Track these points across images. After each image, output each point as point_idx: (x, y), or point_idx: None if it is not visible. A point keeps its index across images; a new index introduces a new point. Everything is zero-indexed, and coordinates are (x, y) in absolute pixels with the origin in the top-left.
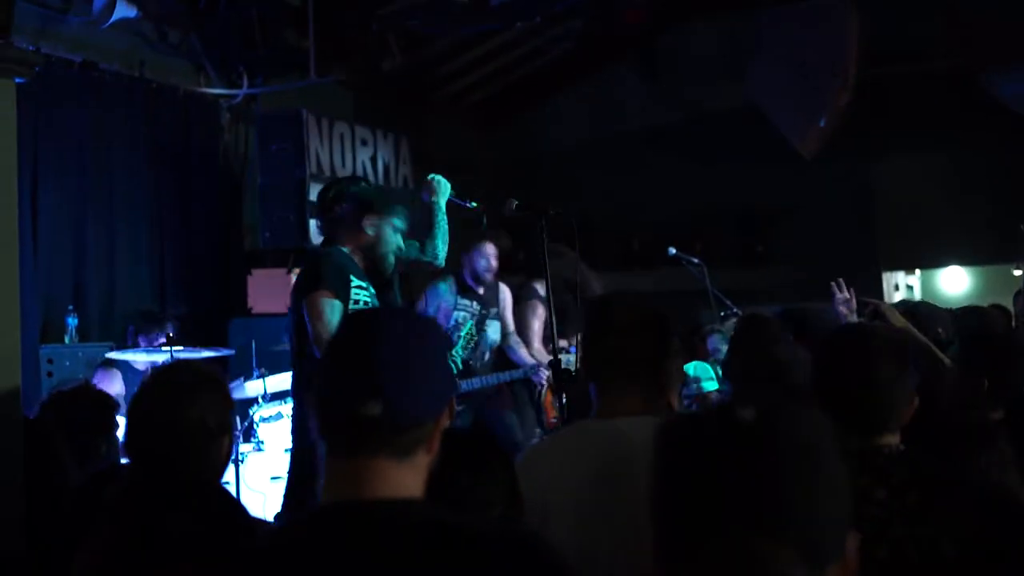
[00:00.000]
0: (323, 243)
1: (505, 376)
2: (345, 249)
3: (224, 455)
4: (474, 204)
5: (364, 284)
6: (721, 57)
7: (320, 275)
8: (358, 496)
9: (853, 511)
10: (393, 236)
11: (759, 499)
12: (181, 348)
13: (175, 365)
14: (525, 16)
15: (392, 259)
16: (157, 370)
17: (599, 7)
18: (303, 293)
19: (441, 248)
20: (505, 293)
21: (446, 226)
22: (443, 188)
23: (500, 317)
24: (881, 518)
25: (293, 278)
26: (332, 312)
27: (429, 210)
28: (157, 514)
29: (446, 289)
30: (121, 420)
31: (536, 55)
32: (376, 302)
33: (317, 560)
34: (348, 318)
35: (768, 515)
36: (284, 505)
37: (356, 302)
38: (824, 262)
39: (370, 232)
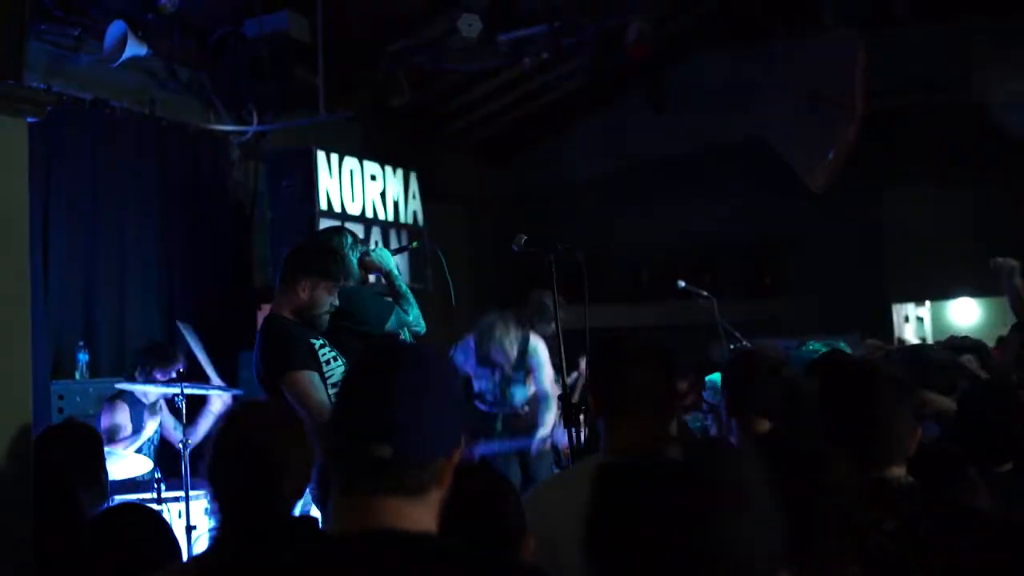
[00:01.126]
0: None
1: (523, 443)
2: (284, 314)
3: (301, 487)
4: (415, 244)
5: (322, 342)
6: (729, 89)
7: (286, 354)
8: (367, 527)
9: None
10: (328, 299)
11: (690, 537)
12: (190, 384)
13: (259, 405)
14: (532, 52)
15: (326, 320)
16: (232, 409)
17: (606, 43)
18: (275, 376)
19: (413, 312)
20: (538, 349)
21: (406, 288)
22: (384, 257)
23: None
24: (891, 549)
25: None
26: (317, 386)
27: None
28: (248, 550)
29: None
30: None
31: (545, 90)
32: (342, 357)
33: None
34: (362, 354)
35: (696, 548)
36: None
37: (327, 362)
38: (834, 294)
39: (302, 295)
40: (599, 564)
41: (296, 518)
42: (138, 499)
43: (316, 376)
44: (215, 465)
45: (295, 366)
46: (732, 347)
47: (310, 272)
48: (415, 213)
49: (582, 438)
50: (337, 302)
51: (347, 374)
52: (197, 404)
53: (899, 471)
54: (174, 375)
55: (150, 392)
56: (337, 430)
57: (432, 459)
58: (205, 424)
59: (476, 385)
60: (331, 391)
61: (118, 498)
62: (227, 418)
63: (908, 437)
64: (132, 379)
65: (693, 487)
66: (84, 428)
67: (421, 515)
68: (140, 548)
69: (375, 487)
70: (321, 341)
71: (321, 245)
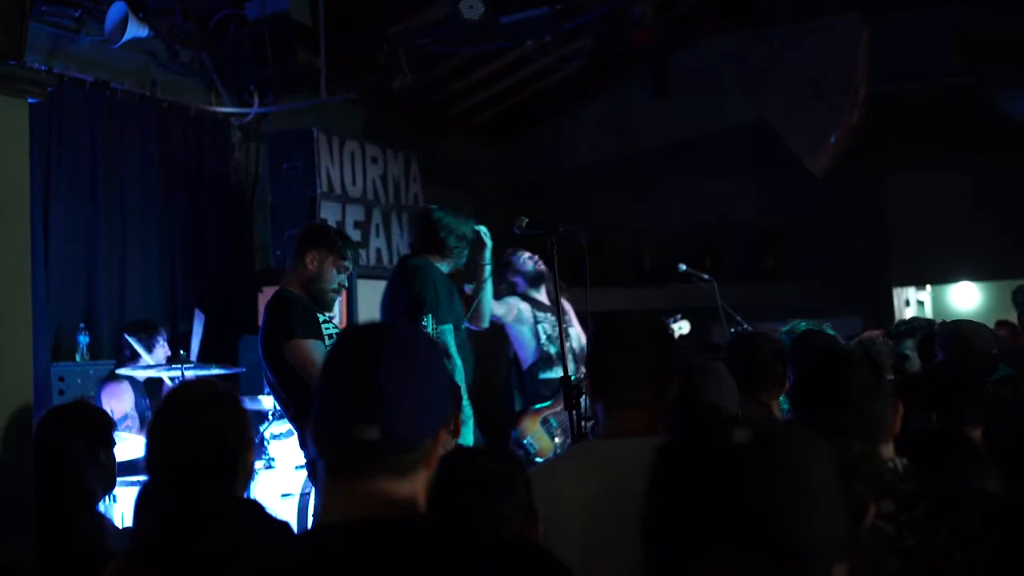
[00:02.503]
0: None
1: None
2: (291, 290)
3: (248, 469)
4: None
5: (327, 317)
6: (732, 74)
7: (290, 322)
8: (358, 515)
9: (848, 529)
10: (336, 275)
11: (751, 519)
12: (191, 365)
13: (190, 383)
14: (535, 35)
15: (333, 298)
16: (174, 389)
17: (609, 26)
18: (279, 343)
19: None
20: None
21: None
22: (487, 234)
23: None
24: (890, 531)
25: None
26: (321, 354)
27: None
28: (192, 537)
29: (521, 310)
30: (129, 436)
31: (547, 74)
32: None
33: None
34: (343, 337)
35: (760, 535)
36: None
37: (331, 336)
38: (835, 277)
39: (310, 267)
40: (658, 547)
41: (243, 500)
42: (135, 480)
43: (320, 344)
44: (155, 447)
45: (299, 334)
46: (733, 330)
47: (318, 245)
48: (416, 196)
49: (583, 421)
50: (346, 282)
51: (329, 356)
52: None
53: (887, 450)
54: (162, 345)
55: (149, 375)
56: (321, 414)
57: (421, 439)
58: None
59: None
60: None
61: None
62: (166, 397)
63: (887, 414)
64: (122, 362)
65: (760, 467)
66: (96, 410)
67: (412, 497)
68: None
69: (363, 471)
70: (326, 317)
71: (327, 225)
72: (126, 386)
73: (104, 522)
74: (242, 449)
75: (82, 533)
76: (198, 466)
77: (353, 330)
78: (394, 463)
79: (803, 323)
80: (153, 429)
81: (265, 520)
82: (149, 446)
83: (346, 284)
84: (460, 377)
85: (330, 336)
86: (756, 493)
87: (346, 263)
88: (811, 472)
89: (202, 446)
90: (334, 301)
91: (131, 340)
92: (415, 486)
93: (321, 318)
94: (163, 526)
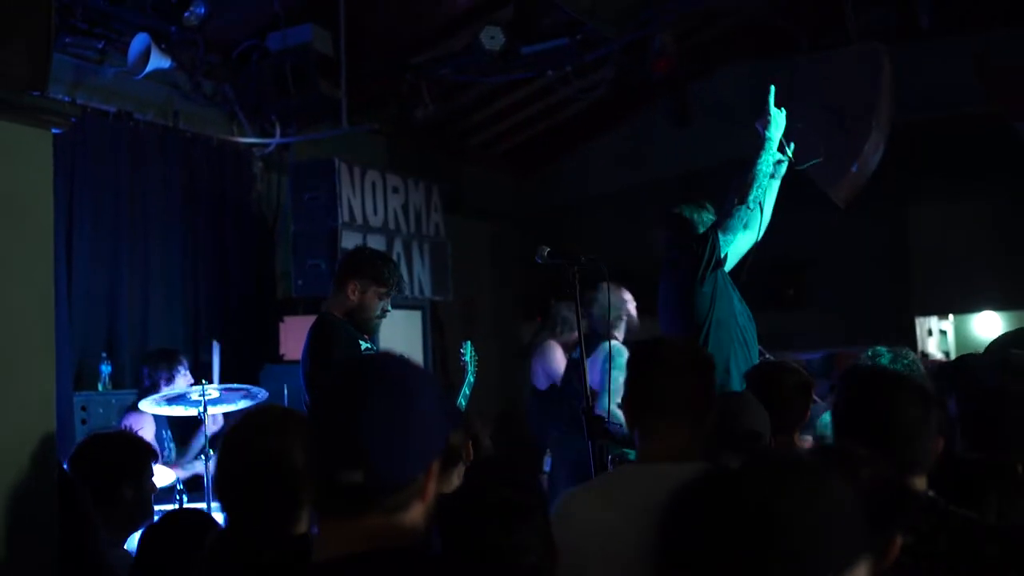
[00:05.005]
0: (320, 311)
1: None
2: (335, 313)
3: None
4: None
5: (368, 345)
6: (753, 103)
7: (330, 348)
8: (356, 549)
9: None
10: (378, 303)
11: (762, 561)
12: (216, 386)
13: (267, 409)
14: (555, 65)
15: (377, 325)
16: (247, 416)
17: (629, 56)
18: (317, 368)
19: (754, 192)
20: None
21: (768, 169)
22: (777, 123)
23: None
24: (909, 565)
25: None
26: None
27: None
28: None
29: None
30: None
31: (567, 103)
32: None
33: None
34: (332, 374)
35: (777, 563)
36: None
37: None
38: (857, 307)
39: (351, 297)
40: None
41: (302, 536)
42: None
43: None
44: (222, 472)
45: (337, 358)
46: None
47: (361, 275)
48: (437, 225)
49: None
50: (390, 308)
51: (317, 397)
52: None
53: (920, 482)
54: (183, 375)
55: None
56: (310, 456)
57: (409, 478)
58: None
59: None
60: None
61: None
62: (235, 421)
63: (929, 449)
64: (143, 393)
65: (770, 513)
66: (134, 442)
67: (411, 528)
68: None
69: (353, 512)
70: (368, 344)
71: (368, 250)
72: (148, 417)
73: (98, 556)
74: (301, 476)
75: (71, 567)
76: (258, 493)
77: (341, 369)
78: (383, 503)
79: (885, 352)
80: (226, 455)
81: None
82: (218, 471)
83: (389, 309)
84: None
85: None
86: (764, 537)
87: (389, 291)
88: (821, 516)
89: (264, 473)
90: (378, 327)
91: (150, 372)
92: (412, 517)
93: (363, 345)
94: (230, 555)
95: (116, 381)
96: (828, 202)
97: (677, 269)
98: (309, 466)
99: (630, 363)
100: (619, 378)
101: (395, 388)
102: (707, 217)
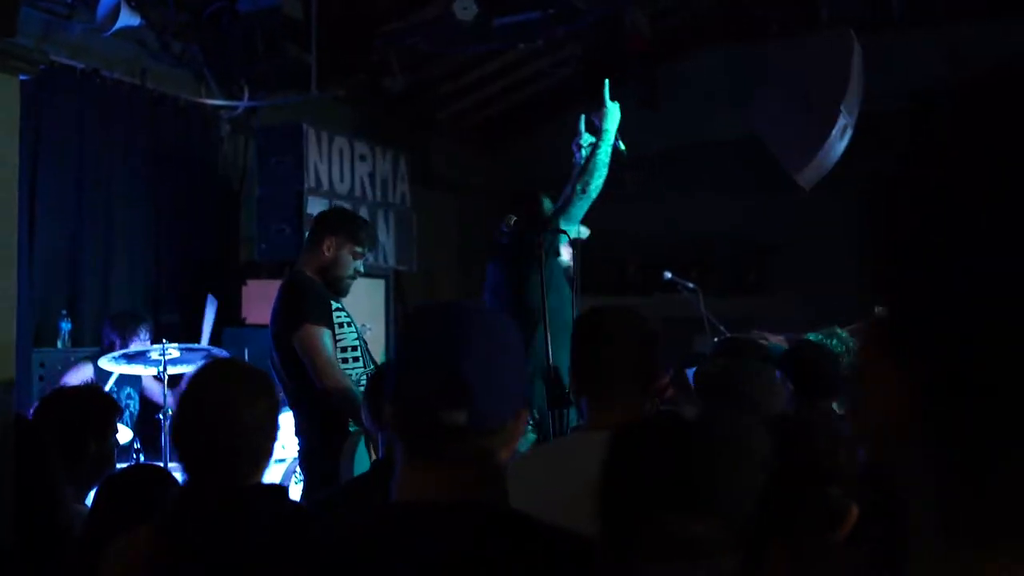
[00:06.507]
0: (292, 269)
1: None
2: (307, 272)
3: (267, 453)
4: (623, 147)
5: (339, 305)
6: (722, 87)
7: (304, 306)
8: (442, 497)
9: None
10: (352, 262)
11: (694, 486)
12: (176, 345)
13: (226, 363)
14: (527, 38)
15: (348, 285)
16: (206, 369)
17: (601, 33)
18: (290, 326)
19: (594, 182)
20: None
21: (607, 160)
22: (613, 115)
23: None
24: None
25: None
26: (327, 344)
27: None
28: (219, 522)
29: None
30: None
31: (538, 78)
32: (356, 324)
33: (392, 561)
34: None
35: (701, 500)
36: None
37: (340, 325)
38: (819, 292)
39: (326, 253)
40: (611, 511)
41: (265, 486)
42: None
43: (329, 333)
44: (180, 425)
45: (311, 319)
46: (715, 339)
47: (336, 231)
48: (404, 195)
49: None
50: (362, 268)
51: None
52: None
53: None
54: (143, 339)
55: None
56: (402, 394)
57: (504, 421)
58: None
59: None
60: (340, 355)
61: None
62: (192, 376)
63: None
64: (102, 351)
65: (702, 441)
66: (102, 398)
67: (490, 475)
68: None
69: (447, 453)
70: (338, 304)
71: (346, 210)
72: (88, 369)
73: (63, 509)
74: (261, 431)
75: (35, 520)
76: (231, 451)
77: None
78: (478, 446)
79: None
80: (184, 410)
81: (294, 508)
82: (175, 427)
83: (362, 270)
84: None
85: (340, 325)
86: (696, 463)
87: (363, 250)
88: (746, 449)
89: (238, 431)
90: (348, 288)
91: (110, 332)
92: (497, 464)
93: (334, 305)
94: (181, 504)
95: (76, 339)
96: (793, 187)
97: (518, 253)
98: (404, 404)
99: (575, 334)
100: None
101: (494, 331)
102: (548, 205)
